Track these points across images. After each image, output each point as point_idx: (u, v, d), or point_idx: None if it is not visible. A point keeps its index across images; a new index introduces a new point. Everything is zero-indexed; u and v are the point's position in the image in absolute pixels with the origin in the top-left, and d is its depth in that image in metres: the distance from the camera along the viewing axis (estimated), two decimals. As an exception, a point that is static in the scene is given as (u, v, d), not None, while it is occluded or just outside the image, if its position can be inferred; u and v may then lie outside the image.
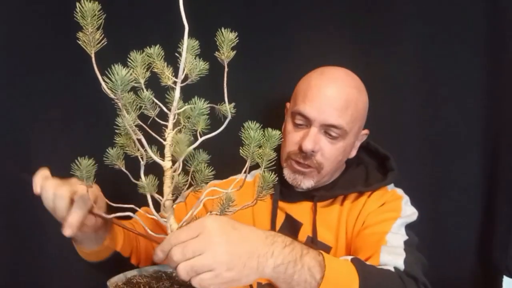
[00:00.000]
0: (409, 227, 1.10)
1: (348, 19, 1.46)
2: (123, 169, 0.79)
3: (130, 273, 0.85)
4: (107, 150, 0.78)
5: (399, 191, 1.20)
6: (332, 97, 1.12)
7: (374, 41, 1.46)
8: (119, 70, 0.64)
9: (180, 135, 0.72)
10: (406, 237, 1.06)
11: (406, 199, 1.18)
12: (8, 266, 1.46)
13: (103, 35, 0.65)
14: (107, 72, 0.66)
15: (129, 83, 0.66)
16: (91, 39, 0.65)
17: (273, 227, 1.19)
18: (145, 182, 0.74)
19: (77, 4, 0.64)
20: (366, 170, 1.25)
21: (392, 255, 0.99)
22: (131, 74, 0.66)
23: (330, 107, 1.11)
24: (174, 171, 0.75)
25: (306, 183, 1.16)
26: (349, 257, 0.92)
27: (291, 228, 1.20)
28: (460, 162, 1.46)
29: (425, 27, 1.43)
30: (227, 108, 0.73)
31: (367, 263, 0.94)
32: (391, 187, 1.21)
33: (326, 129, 1.12)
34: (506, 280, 1.45)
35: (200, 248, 0.73)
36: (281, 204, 1.22)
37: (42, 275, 1.48)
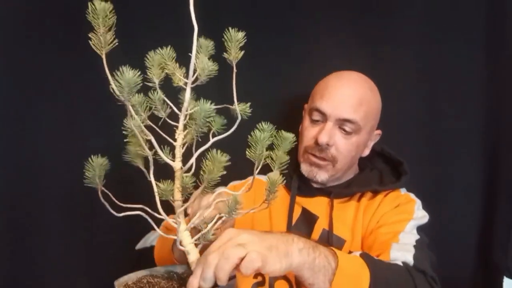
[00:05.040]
0: (421, 229, 1.15)
1: (349, 19, 1.46)
2: (142, 167, 0.79)
3: (141, 273, 0.85)
4: (125, 148, 0.78)
5: (412, 195, 1.25)
6: (347, 95, 1.20)
7: (375, 42, 1.46)
8: (126, 73, 0.64)
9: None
10: (417, 237, 1.10)
11: (418, 203, 1.22)
12: (7, 266, 1.45)
13: (114, 36, 0.64)
14: (114, 74, 0.65)
15: (136, 85, 0.65)
16: (102, 40, 0.64)
17: (290, 220, 1.24)
18: (165, 186, 0.73)
19: (89, 3, 0.63)
20: (380, 173, 1.30)
21: (401, 251, 1.03)
22: (139, 76, 0.65)
23: (345, 103, 1.18)
24: (185, 172, 0.75)
25: (322, 176, 1.22)
26: (358, 252, 0.96)
27: (307, 221, 1.25)
28: (460, 162, 1.47)
29: (425, 27, 1.44)
30: (237, 109, 0.72)
31: (376, 257, 0.97)
32: (404, 190, 1.26)
33: (341, 124, 1.19)
34: (506, 280, 1.46)
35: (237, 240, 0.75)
36: (298, 198, 1.27)
37: (43, 275, 1.46)
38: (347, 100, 1.19)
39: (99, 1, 0.62)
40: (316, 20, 1.46)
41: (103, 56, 0.65)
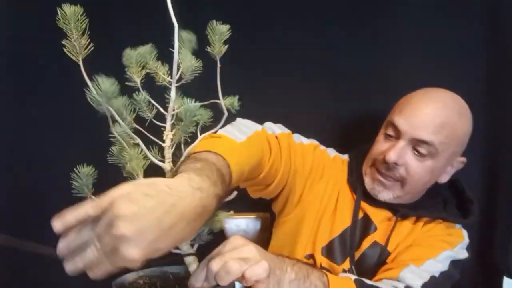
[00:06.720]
0: (454, 263, 1.11)
1: (348, 18, 1.47)
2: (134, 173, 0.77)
3: (138, 273, 0.86)
4: (110, 149, 0.76)
5: (464, 233, 1.21)
6: (429, 115, 1.10)
7: (373, 41, 1.46)
8: (103, 83, 0.63)
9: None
10: (445, 269, 1.07)
11: (465, 243, 1.19)
12: (7, 266, 1.46)
13: (89, 40, 0.62)
14: (91, 83, 0.63)
15: (114, 94, 0.64)
16: (76, 46, 0.62)
17: (353, 220, 1.20)
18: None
19: (58, 9, 0.61)
20: (444, 201, 1.24)
21: (413, 275, 1.00)
22: (116, 84, 0.64)
23: (424, 124, 1.10)
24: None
25: (385, 195, 1.16)
26: (353, 277, 0.94)
27: (364, 228, 1.20)
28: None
29: (424, 26, 1.43)
30: (223, 104, 0.71)
31: (370, 282, 0.96)
32: (459, 226, 1.22)
33: (416, 144, 1.11)
34: (506, 280, 1.45)
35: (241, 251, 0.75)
36: (362, 203, 1.22)
37: (43, 275, 1.47)
38: (427, 120, 1.09)
39: (68, 5, 0.59)
40: (306, 17, 1.47)
41: (80, 63, 0.62)
